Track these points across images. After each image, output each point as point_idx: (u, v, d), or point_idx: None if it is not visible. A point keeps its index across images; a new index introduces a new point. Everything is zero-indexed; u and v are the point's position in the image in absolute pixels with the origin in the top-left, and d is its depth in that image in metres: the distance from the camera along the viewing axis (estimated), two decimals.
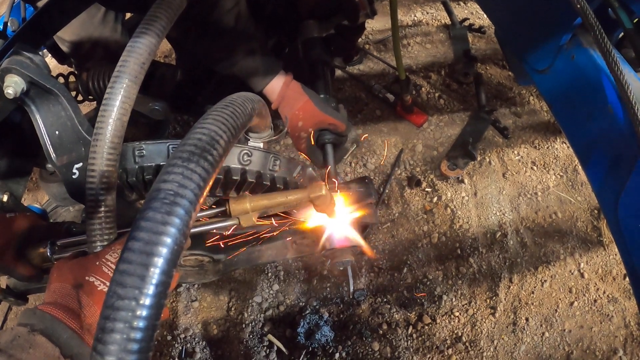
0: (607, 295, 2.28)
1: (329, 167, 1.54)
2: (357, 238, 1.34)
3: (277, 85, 1.57)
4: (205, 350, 2.14)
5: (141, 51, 0.98)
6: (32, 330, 0.79)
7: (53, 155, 1.12)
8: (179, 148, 0.68)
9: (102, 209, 0.98)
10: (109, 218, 0.99)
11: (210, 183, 0.68)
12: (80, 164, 1.12)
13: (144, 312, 0.59)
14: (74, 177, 1.12)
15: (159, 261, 0.60)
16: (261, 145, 1.25)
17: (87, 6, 1.36)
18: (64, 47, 2.04)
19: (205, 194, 0.67)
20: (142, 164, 1.12)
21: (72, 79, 1.99)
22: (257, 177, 1.13)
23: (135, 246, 0.61)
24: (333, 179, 1.43)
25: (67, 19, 1.36)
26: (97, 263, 0.93)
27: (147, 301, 0.59)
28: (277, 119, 1.60)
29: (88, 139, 1.10)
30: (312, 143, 1.59)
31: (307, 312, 2.19)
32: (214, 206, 1.11)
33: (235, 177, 1.10)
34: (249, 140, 1.26)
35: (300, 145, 1.62)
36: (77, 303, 0.88)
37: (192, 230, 1.12)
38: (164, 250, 0.60)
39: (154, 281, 0.60)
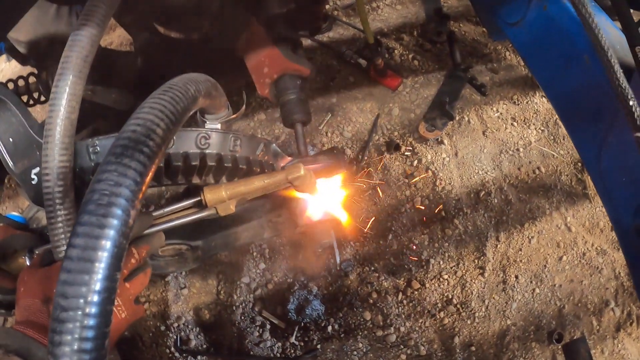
0: (596, 248, 2.28)
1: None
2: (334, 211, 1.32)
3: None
4: (199, 336, 2.13)
5: (83, 44, 0.95)
6: (7, 352, 0.79)
7: (10, 162, 1.10)
8: (113, 143, 0.64)
9: (62, 212, 0.96)
10: (69, 220, 0.96)
11: (150, 175, 0.64)
12: (37, 168, 1.10)
13: (91, 322, 0.57)
14: (33, 182, 1.10)
15: (100, 267, 0.58)
16: (219, 126, 1.20)
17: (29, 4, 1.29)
18: (21, 48, 1.96)
19: (144, 187, 0.64)
20: (98, 160, 1.09)
21: (32, 79, 1.93)
22: (217, 160, 1.09)
23: (74, 254, 0.58)
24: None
25: (12, 19, 1.29)
26: None
27: (92, 310, 0.57)
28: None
29: (41, 141, 1.07)
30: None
31: (296, 287, 2.19)
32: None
33: (194, 163, 1.06)
34: (206, 122, 1.22)
35: (263, 90, 1.67)
36: (49, 318, 0.87)
37: (168, 225, 1.10)
38: (104, 255, 0.58)
39: (97, 288, 0.58)
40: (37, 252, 1.11)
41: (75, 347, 0.56)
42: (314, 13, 2.09)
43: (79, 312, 0.57)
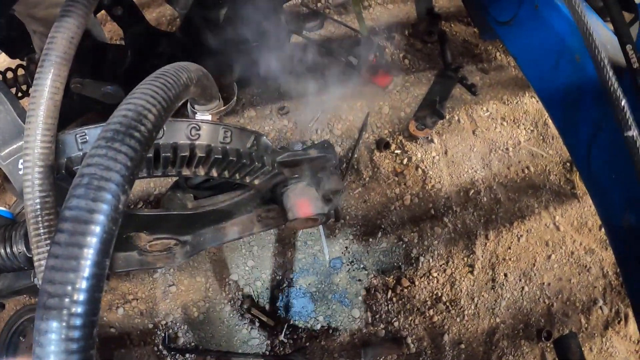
0: (584, 247, 2.30)
1: None
2: (320, 206, 1.30)
3: None
4: (187, 333, 2.11)
5: (69, 25, 0.93)
6: None
7: None
8: (104, 128, 0.63)
9: (40, 194, 0.92)
10: (47, 204, 0.93)
11: (141, 161, 0.63)
12: None
13: (79, 309, 0.55)
14: (20, 172, 1.07)
15: (89, 252, 0.56)
16: (209, 117, 1.19)
17: None
18: (37, 27, 1.89)
19: (135, 173, 0.62)
20: (86, 149, 1.07)
21: (20, 72, 1.90)
22: (207, 151, 1.08)
23: (62, 239, 0.56)
24: None
25: None
26: None
27: (80, 297, 0.55)
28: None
29: None
30: None
31: (285, 285, 2.17)
32: None
33: (183, 154, 1.05)
34: (196, 113, 1.20)
35: None
36: None
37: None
38: (92, 240, 0.56)
39: (85, 274, 0.56)
40: None
41: (63, 335, 0.54)
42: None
43: (67, 299, 0.55)
